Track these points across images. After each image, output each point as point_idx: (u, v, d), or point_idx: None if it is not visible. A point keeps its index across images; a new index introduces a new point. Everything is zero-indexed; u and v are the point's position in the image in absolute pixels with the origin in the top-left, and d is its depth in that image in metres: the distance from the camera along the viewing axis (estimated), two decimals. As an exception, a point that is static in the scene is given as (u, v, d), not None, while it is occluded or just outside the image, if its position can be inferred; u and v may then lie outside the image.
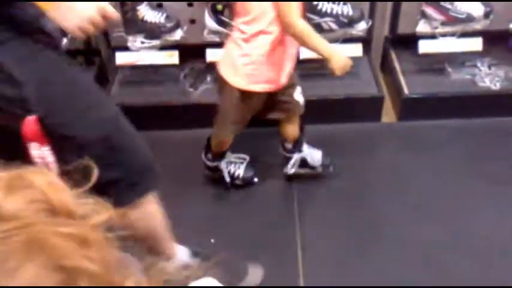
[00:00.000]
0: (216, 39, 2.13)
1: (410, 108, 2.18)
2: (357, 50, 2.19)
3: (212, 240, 1.69)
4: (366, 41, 2.29)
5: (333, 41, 2.12)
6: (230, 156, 1.89)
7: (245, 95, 1.62)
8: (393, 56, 2.34)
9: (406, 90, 2.17)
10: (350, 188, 1.93)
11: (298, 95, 1.75)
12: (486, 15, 2.06)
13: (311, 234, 1.76)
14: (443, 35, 2.16)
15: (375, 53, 2.38)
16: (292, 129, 1.83)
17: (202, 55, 2.21)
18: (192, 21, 2.21)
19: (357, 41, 2.21)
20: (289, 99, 1.73)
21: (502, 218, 1.79)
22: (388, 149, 2.14)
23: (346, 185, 1.93)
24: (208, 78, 2.25)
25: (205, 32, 2.15)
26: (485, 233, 1.72)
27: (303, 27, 1.52)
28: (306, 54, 2.16)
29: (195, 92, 2.24)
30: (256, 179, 1.95)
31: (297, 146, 1.86)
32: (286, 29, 1.52)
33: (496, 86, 2.14)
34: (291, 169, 1.89)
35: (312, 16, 2.01)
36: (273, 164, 2.00)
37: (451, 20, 2.09)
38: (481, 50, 2.17)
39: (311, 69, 2.24)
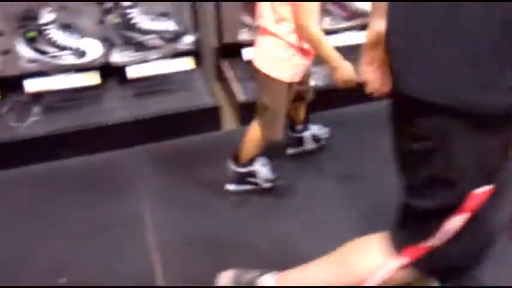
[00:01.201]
0: (36, 67, 2.00)
1: (248, 113, 2.26)
2: (187, 63, 2.21)
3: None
4: (196, 53, 2.34)
5: (161, 57, 2.14)
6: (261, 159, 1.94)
7: (289, 86, 1.73)
8: (226, 65, 2.43)
9: (241, 96, 2.25)
10: (197, 198, 1.94)
11: (311, 81, 1.97)
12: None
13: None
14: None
15: (209, 64, 2.43)
16: (303, 112, 2.04)
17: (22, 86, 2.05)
18: (5, 52, 2.04)
19: (188, 55, 2.25)
20: (308, 87, 1.93)
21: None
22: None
23: (194, 196, 1.95)
24: (35, 110, 2.10)
25: (22, 61, 2.00)
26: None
27: (316, 31, 1.58)
28: (135, 73, 2.13)
29: (22, 126, 2.07)
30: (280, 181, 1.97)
31: (306, 125, 2.08)
32: (299, 31, 1.59)
33: (320, 83, 2.33)
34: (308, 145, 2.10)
35: (133, 35, 1.99)
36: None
37: (270, 26, 2.22)
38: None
39: (144, 88, 2.22)
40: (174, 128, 2.19)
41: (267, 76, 1.72)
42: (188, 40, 2.12)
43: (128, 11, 1.99)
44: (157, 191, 1.97)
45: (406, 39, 0.97)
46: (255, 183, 1.94)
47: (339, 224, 1.81)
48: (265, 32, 1.68)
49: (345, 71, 1.66)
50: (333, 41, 2.03)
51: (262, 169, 1.93)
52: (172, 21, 2.08)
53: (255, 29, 2.22)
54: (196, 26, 2.27)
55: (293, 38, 1.63)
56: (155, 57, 2.13)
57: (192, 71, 2.25)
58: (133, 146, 2.16)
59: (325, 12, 2.24)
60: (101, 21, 2.06)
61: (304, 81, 1.85)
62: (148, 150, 2.16)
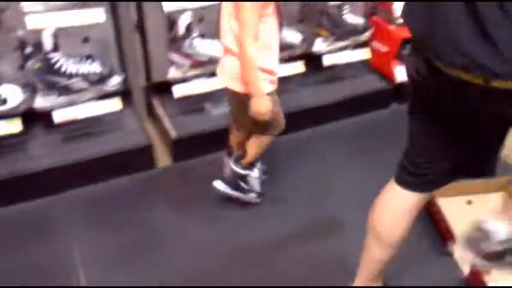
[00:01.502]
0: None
1: (181, 149, 2.27)
2: (117, 103, 2.19)
3: None
4: (126, 93, 2.33)
5: (88, 99, 2.11)
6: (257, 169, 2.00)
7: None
8: (156, 102, 2.43)
9: (173, 133, 2.25)
10: (129, 240, 1.90)
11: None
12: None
13: None
14: (196, 76, 2.32)
15: (139, 103, 2.42)
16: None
17: None
18: None
19: (117, 95, 2.22)
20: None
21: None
22: (168, 191, 2.17)
23: (134, 239, 1.90)
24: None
25: None
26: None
27: (249, 49, 1.56)
28: (62, 117, 2.08)
29: None
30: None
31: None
32: (239, 48, 1.59)
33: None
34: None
35: (57, 79, 1.95)
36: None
37: (198, 63, 2.25)
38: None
39: (72, 131, 2.17)
40: (106, 170, 2.14)
41: (236, 93, 1.73)
42: (115, 81, 2.10)
43: (50, 55, 1.95)
44: (89, 236, 1.92)
45: None
46: (242, 190, 2.01)
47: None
48: (226, 50, 1.71)
49: (263, 104, 1.66)
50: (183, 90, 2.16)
51: (254, 178, 2.01)
52: (98, 63, 2.06)
53: (182, 66, 2.26)
54: (123, 66, 2.27)
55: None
56: (82, 100, 2.09)
57: (122, 111, 2.23)
58: (65, 192, 2.10)
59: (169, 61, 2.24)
60: (22, 67, 2.01)
61: None
62: (81, 194, 2.11)
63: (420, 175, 1.40)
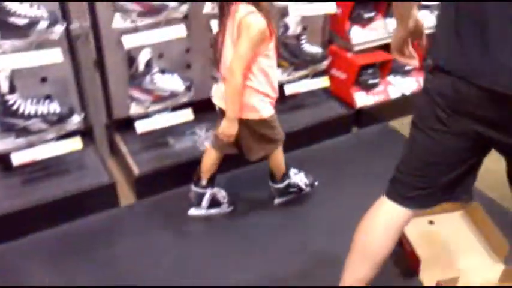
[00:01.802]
0: None
1: (145, 186, 2.25)
2: (78, 142, 2.16)
3: None
4: (87, 131, 2.31)
5: (48, 140, 2.08)
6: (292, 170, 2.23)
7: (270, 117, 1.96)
8: (119, 139, 2.41)
9: (136, 170, 2.23)
10: (111, 279, 1.85)
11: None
12: (188, 88, 2.30)
13: None
14: (158, 111, 2.32)
15: (101, 141, 2.40)
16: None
17: None
18: None
19: (78, 134, 2.19)
20: None
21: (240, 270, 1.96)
22: (133, 230, 2.13)
23: (100, 279, 1.85)
24: None
25: None
26: None
27: (239, 79, 1.76)
28: (21, 159, 2.04)
29: None
30: (316, 182, 2.27)
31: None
32: (228, 73, 1.78)
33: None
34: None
35: (14, 121, 1.92)
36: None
37: (159, 98, 2.26)
38: (194, 118, 2.38)
39: (32, 173, 2.13)
40: (68, 211, 2.10)
41: (250, 120, 1.90)
42: (75, 120, 2.08)
43: (7, 97, 1.92)
44: (53, 280, 1.85)
45: None
46: (297, 190, 2.22)
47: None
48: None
49: (231, 127, 1.87)
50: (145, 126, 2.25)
51: (297, 177, 2.22)
52: (56, 103, 2.04)
53: (144, 102, 2.26)
54: (83, 105, 2.26)
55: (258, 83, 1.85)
56: (41, 141, 2.06)
57: (83, 149, 2.20)
58: (26, 236, 2.04)
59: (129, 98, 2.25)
60: (-23, 111, 1.97)
61: None
62: (44, 238, 2.04)
63: (417, 188, 1.42)
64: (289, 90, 2.63)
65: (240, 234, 2.09)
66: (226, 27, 1.83)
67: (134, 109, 2.27)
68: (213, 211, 2.18)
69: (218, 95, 1.97)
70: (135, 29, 2.11)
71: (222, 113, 1.93)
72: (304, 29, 2.72)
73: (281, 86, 2.61)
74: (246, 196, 2.29)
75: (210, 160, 2.09)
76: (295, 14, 2.44)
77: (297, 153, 2.56)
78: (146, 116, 2.29)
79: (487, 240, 2.01)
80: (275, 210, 2.23)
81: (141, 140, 2.37)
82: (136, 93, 2.23)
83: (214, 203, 2.17)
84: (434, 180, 1.40)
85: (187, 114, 2.36)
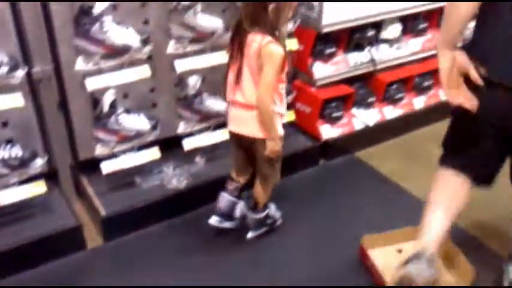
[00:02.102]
0: None
1: (112, 227, 2.21)
2: (42, 186, 2.13)
3: None
4: (52, 173, 2.28)
5: (10, 184, 2.04)
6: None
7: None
8: (85, 181, 2.38)
9: (103, 212, 2.20)
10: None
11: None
12: (153, 127, 2.31)
13: None
14: (124, 151, 2.32)
15: (67, 183, 2.37)
16: None
17: None
18: None
19: (42, 177, 2.16)
20: None
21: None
22: (101, 273, 2.08)
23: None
24: None
25: None
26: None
27: (270, 109, 1.92)
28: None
29: None
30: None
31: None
32: (258, 101, 1.91)
33: (182, 184, 2.39)
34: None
35: (-26, 167, 1.89)
36: None
37: (125, 138, 2.26)
38: (161, 156, 2.39)
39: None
40: (34, 256, 2.04)
41: (258, 140, 2.02)
42: (38, 163, 2.06)
43: (-33, 143, 1.90)
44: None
45: None
46: (272, 223, 2.29)
47: None
48: (248, 107, 1.97)
49: (276, 145, 2.02)
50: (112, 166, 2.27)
51: (274, 209, 2.30)
52: (18, 147, 2.02)
53: (109, 142, 2.25)
54: (47, 147, 2.24)
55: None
56: (4, 185, 2.02)
57: (49, 192, 2.16)
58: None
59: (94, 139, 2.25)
60: None
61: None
62: (8, 284, 1.97)
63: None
64: (255, 125, 2.67)
65: (211, 274, 2.07)
66: (244, 57, 1.94)
67: (100, 150, 2.26)
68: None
69: (234, 120, 2.08)
70: (99, 71, 2.13)
71: (232, 136, 2.12)
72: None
73: (247, 122, 2.66)
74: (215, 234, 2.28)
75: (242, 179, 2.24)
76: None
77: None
78: (112, 156, 2.29)
79: (454, 265, 2.04)
80: (244, 245, 2.22)
81: (108, 181, 2.34)
82: (101, 134, 2.23)
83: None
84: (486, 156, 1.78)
85: (153, 153, 2.36)
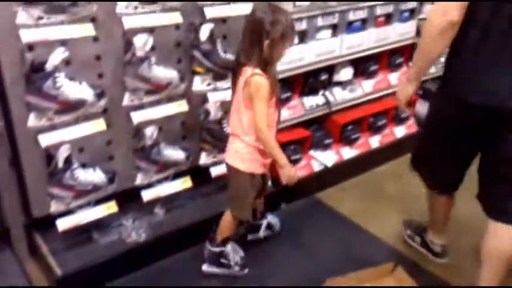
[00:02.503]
0: None
1: (69, 287, 2.13)
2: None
3: None
4: (4, 234, 2.19)
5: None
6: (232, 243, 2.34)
7: (251, 177, 2.16)
8: (39, 240, 2.30)
9: (58, 271, 2.12)
10: None
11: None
12: (110, 180, 2.28)
13: None
14: (80, 206, 2.26)
15: (19, 242, 2.27)
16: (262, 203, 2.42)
17: None
18: None
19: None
20: (266, 180, 2.36)
21: None
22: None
23: None
24: None
25: None
26: None
27: (266, 133, 2.02)
28: None
29: None
30: (246, 271, 2.33)
31: (264, 214, 2.53)
32: (256, 132, 2.03)
33: (142, 237, 2.34)
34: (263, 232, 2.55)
35: None
36: None
37: (81, 193, 2.21)
38: (119, 210, 2.34)
39: None
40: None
41: (232, 168, 2.15)
42: (-11, 224, 1.98)
43: None
44: None
45: None
46: (227, 265, 2.30)
47: None
48: (234, 136, 2.14)
49: (289, 171, 2.10)
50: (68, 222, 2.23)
51: (231, 252, 2.30)
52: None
53: (64, 198, 2.19)
54: (-2, 207, 2.16)
55: (250, 140, 2.09)
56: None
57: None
58: None
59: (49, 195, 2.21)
60: None
61: (264, 176, 2.28)
62: None
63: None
64: (215, 171, 2.67)
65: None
66: (236, 87, 2.08)
67: (55, 206, 2.20)
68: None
69: (229, 151, 2.20)
70: (53, 127, 2.10)
71: (228, 169, 2.20)
72: (225, 113, 2.83)
73: (207, 169, 2.66)
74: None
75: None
76: (214, 99, 2.54)
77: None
78: (68, 212, 2.23)
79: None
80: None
81: (64, 238, 2.27)
82: (56, 190, 2.17)
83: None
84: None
85: (111, 207, 2.32)
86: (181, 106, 2.43)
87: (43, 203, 2.20)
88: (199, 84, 2.48)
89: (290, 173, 2.11)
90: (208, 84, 2.50)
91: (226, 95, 2.57)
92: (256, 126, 2.03)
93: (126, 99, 2.28)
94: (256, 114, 2.01)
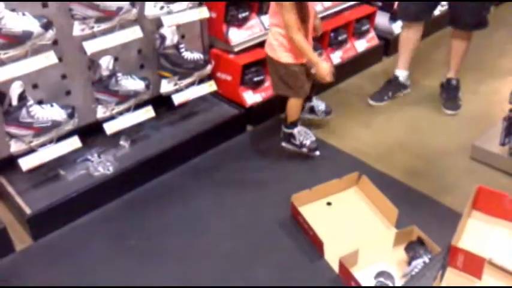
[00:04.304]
0: None
1: (40, 225, 2.13)
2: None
3: None
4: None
5: None
6: (301, 127, 2.60)
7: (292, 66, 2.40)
8: (4, 181, 2.26)
9: (27, 210, 2.11)
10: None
11: (313, 70, 2.46)
12: (70, 115, 2.22)
13: None
14: (42, 145, 2.21)
15: (-16, 186, 2.24)
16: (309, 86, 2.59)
17: None
18: None
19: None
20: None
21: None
22: (34, 272, 2.00)
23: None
24: None
25: None
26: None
27: (298, 37, 2.26)
28: None
29: None
30: (318, 153, 2.58)
31: (307, 98, 2.73)
32: (288, 33, 2.28)
33: (109, 170, 2.33)
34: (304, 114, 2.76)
35: None
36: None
37: (41, 131, 2.15)
38: (83, 145, 2.30)
39: None
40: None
41: (270, 58, 2.44)
42: None
43: None
44: None
45: None
46: (296, 145, 2.58)
47: None
48: (270, 25, 2.43)
49: (321, 68, 2.33)
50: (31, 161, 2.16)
51: (297, 134, 2.56)
52: None
53: (24, 137, 2.14)
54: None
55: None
56: None
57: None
58: None
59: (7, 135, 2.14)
60: None
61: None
62: None
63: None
64: (177, 99, 2.63)
65: (150, 257, 2.07)
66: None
67: (15, 146, 2.14)
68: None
69: (266, 42, 2.49)
70: (1, 63, 1.99)
71: (268, 58, 2.47)
72: (183, 37, 2.74)
73: (169, 97, 2.62)
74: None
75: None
76: (169, 23, 2.44)
77: (195, 161, 2.58)
78: (30, 151, 2.18)
79: (379, 209, 2.18)
80: (185, 215, 2.23)
81: (29, 178, 2.24)
82: (13, 129, 2.10)
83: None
84: None
85: (74, 142, 2.27)
86: (135, 33, 2.32)
87: (2, 143, 2.14)
88: (151, 8, 2.37)
89: (324, 69, 2.33)
90: (162, 8, 2.39)
91: (181, 19, 2.48)
92: (289, 35, 2.28)
93: (76, 29, 2.16)
94: (285, 23, 2.26)
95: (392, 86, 3.12)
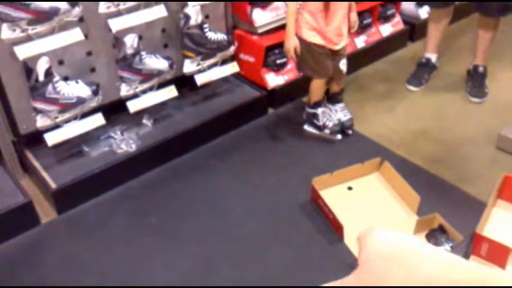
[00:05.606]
0: None
1: (65, 199, 2.17)
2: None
3: None
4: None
5: None
6: (325, 108, 2.62)
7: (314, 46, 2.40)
8: (30, 156, 2.30)
9: (53, 184, 2.15)
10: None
11: (342, 65, 2.51)
12: (94, 92, 2.24)
13: None
14: (67, 121, 2.24)
15: (11, 160, 2.28)
16: (334, 86, 2.64)
17: None
18: None
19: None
20: (337, 65, 2.49)
21: (168, 267, 1.97)
22: (59, 245, 2.05)
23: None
24: None
25: None
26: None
27: (289, 7, 2.36)
28: None
29: None
30: (339, 136, 2.60)
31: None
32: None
33: (132, 147, 2.36)
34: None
35: None
36: None
37: (66, 107, 2.18)
38: (107, 122, 2.33)
39: None
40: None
41: (296, 35, 2.40)
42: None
43: None
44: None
45: None
46: (318, 127, 2.60)
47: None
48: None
49: (288, 43, 2.38)
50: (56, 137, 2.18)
51: (321, 114, 2.58)
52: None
53: (50, 112, 2.17)
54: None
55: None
56: None
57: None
58: None
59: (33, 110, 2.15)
60: None
61: (335, 59, 2.47)
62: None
63: None
64: (200, 80, 2.63)
65: (171, 235, 2.09)
66: None
67: (41, 121, 2.17)
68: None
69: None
70: (29, 38, 2.01)
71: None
72: (207, 17, 2.72)
73: (192, 77, 2.62)
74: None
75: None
76: (194, 3, 2.43)
77: (217, 142, 2.59)
78: (56, 127, 2.21)
79: (400, 195, 2.16)
80: (200, 196, 2.25)
81: (54, 153, 2.28)
82: (40, 105, 2.14)
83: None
84: None
85: (98, 119, 2.29)
86: (160, 11, 2.32)
87: (28, 118, 2.18)
88: (177, -14, 2.36)
89: (287, 45, 2.39)
90: (187, -13, 2.39)
91: (206, -2, 2.47)
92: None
93: (102, 6, 2.17)
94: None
95: (427, 68, 3.09)
